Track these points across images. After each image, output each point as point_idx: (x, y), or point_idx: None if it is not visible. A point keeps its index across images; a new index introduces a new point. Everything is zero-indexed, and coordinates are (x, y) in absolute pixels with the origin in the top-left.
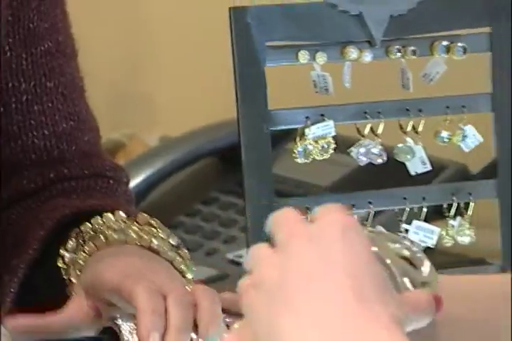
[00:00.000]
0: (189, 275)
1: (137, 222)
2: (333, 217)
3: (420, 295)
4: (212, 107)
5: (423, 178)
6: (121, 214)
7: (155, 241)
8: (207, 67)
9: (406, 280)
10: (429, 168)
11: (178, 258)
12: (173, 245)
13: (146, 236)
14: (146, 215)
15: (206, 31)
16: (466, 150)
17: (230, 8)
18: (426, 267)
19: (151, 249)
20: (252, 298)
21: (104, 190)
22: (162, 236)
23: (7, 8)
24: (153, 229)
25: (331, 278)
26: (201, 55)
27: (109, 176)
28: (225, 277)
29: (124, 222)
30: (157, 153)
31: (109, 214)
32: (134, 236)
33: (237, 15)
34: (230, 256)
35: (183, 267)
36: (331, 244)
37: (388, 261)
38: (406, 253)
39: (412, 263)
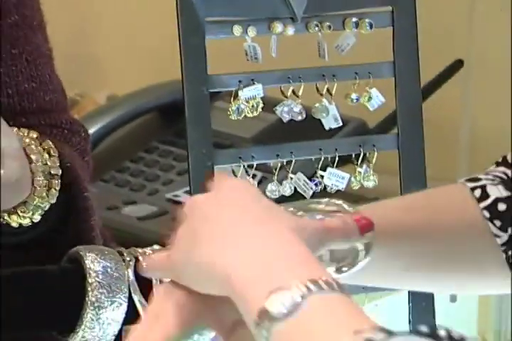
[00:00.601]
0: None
1: (42, 146)
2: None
3: (333, 220)
4: (156, 69)
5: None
6: (33, 134)
7: (36, 161)
8: (153, 31)
9: None
10: (340, 124)
11: (43, 187)
12: (50, 173)
13: (33, 155)
14: (50, 143)
15: None
16: (371, 109)
17: None
18: None
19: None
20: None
21: (58, 138)
22: (48, 163)
23: None
24: (47, 155)
25: (236, 208)
26: (148, 19)
27: (64, 127)
28: (164, 213)
29: (32, 140)
30: (105, 110)
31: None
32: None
33: None
34: (169, 195)
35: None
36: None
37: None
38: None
39: None
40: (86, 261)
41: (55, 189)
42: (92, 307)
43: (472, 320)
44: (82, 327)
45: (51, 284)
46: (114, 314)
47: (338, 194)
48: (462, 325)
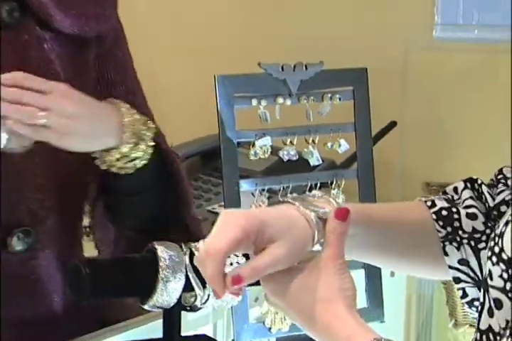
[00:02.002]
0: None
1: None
2: None
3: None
4: (202, 125)
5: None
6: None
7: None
8: (200, 100)
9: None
10: (321, 162)
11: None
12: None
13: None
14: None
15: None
16: (340, 152)
17: (214, 76)
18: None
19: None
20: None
21: None
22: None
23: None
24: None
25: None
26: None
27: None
28: (205, 220)
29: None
30: None
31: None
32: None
33: (220, 78)
34: (209, 208)
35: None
36: None
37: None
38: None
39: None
40: (157, 252)
41: (147, 145)
42: (162, 282)
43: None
44: (156, 294)
45: (137, 266)
46: (176, 286)
47: None
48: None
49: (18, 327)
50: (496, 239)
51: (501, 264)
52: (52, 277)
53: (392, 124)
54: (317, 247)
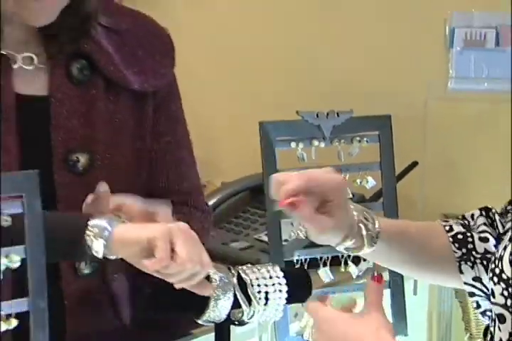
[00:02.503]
0: None
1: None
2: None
3: None
4: (249, 165)
5: None
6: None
7: None
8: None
9: None
10: (351, 196)
11: None
12: None
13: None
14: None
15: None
16: (368, 188)
17: (259, 123)
18: None
19: None
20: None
21: (188, 214)
22: None
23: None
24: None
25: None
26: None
27: (202, 209)
28: (252, 247)
29: None
30: (220, 190)
31: None
32: None
33: (264, 125)
34: (255, 236)
35: None
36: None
37: None
38: None
39: None
40: (210, 273)
41: None
42: (213, 299)
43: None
44: (208, 310)
45: None
46: (226, 303)
47: None
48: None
49: None
50: (497, 261)
51: (502, 283)
52: (120, 297)
53: (414, 164)
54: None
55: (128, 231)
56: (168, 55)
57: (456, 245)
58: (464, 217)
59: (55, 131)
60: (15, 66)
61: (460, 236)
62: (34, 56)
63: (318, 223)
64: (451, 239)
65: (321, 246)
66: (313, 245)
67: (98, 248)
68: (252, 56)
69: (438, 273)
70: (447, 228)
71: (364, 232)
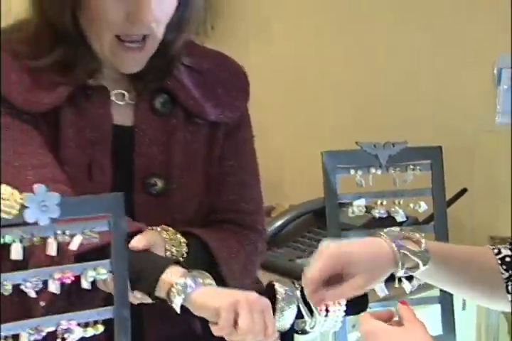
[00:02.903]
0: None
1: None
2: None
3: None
4: (312, 190)
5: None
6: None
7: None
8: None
9: None
10: (405, 219)
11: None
12: None
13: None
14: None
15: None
16: (421, 211)
17: (321, 152)
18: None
19: None
20: None
21: (243, 236)
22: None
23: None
24: None
25: None
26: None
27: (260, 230)
28: None
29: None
30: (288, 212)
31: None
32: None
33: (326, 154)
34: None
35: None
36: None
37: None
38: None
39: None
40: (276, 287)
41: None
42: (278, 311)
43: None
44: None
45: None
46: (290, 314)
47: None
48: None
49: None
50: None
51: None
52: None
53: (464, 190)
54: (401, 273)
55: (201, 296)
56: (243, 90)
57: (504, 267)
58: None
59: (137, 157)
60: (110, 100)
61: (508, 259)
62: (125, 93)
63: (354, 291)
64: (499, 261)
65: None
66: None
67: (177, 302)
68: (317, 91)
69: (486, 293)
70: (495, 251)
71: (411, 255)
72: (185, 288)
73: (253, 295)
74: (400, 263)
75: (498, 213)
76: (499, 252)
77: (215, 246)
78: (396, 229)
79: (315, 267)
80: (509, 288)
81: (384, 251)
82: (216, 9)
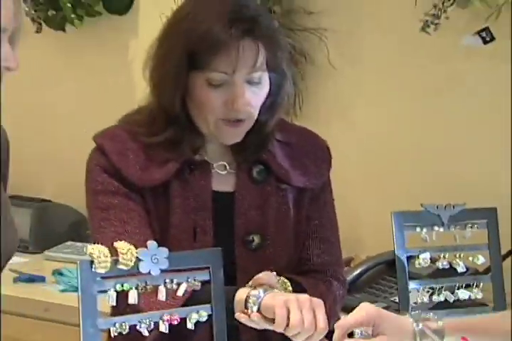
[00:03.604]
0: None
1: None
2: None
3: None
4: (386, 244)
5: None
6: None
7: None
8: None
9: None
10: (465, 270)
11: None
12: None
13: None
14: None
15: None
16: (479, 263)
17: (391, 213)
18: None
19: None
20: None
21: (328, 285)
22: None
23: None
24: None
25: None
26: None
27: (341, 279)
28: (388, 307)
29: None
30: (365, 262)
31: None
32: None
33: (394, 214)
34: (391, 299)
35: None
36: None
37: None
38: None
39: None
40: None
41: None
42: None
43: None
44: None
45: None
46: None
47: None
48: None
49: None
50: None
51: None
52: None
53: None
54: None
55: (267, 299)
56: (326, 161)
57: None
58: None
59: (237, 218)
60: (212, 171)
61: None
62: (226, 164)
63: None
64: None
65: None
66: (434, 308)
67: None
68: (387, 163)
69: None
70: None
71: (429, 333)
72: (258, 297)
73: (303, 296)
74: (417, 338)
75: None
76: None
77: (311, 292)
78: (417, 311)
79: (352, 315)
80: None
81: (407, 324)
82: (305, 95)
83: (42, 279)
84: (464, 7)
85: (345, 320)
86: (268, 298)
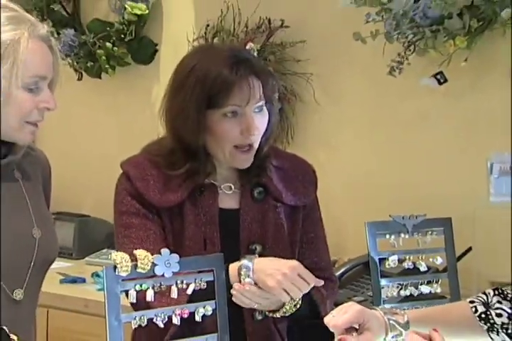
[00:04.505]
0: None
1: None
2: None
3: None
4: (364, 248)
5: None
6: None
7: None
8: None
9: None
10: (426, 269)
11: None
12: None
13: None
14: None
15: None
16: (438, 264)
17: (365, 223)
18: None
19: None
20: None
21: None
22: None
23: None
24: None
25: None
26: None
27: (332, 279)
28: (366, 300)
29: None
30: (346, 263)
31: None
32: None
33: (368, 224)
34: (369, 294)
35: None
36: None
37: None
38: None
39: None
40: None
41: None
42: None
43: None
44: None
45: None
46: None
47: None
48: None
49: None
50: None
51: None
52: (282, 331)
53: (469, 249)
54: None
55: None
56: (312, 183)
57: (482, 322)
58: (484, 293)
59: (242, 230)
60: (220, 191)
61: (483, 316)
62: (232, 185)
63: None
64: (477, 318)
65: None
66: (401, 301)
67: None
68: (362, 178)
69: (466, 336)
70: (473, 310)
71: (397, 325)
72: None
73: (290, 265)
74: (389, 331)
75: (497, 264)
76: (476, 310)
77: (315, 292)
78: (388, 306)
79: (346, 316)
80: (491, 335)
81: (380, 317)
82: (295, 127)
83: (83, 280)
84: (422, 55)
85: (341, 321)
86: (258, 270)
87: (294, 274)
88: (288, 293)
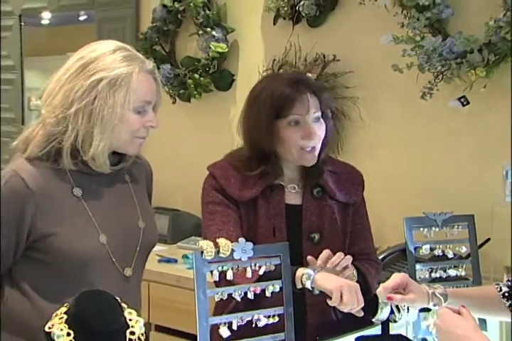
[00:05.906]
0: None
1: None
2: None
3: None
4: (401, 237)
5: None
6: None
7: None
8: None
9: None
10: (453, 256)
11: None
12: None
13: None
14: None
15: None
16: (463, 252)
17: (403, 218)
18: None
19: None
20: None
21: (372, 266)
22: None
23: None
24: None
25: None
26: None
27: (377, 261)
28: None
29: None
30: (386, 250)
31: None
32: None
33: (406, 219)
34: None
35: None
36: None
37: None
38: None
39: None
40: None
41: None
42: (380, 309)
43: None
44: (377, 315)
45: (371, 301)
46: (387, 311)
47: None
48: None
49: None
50: None
51: None
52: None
53: (488, 239)
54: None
55: (320, 279)
56: (360, 184)
57: (505, 299)
58: (508, 280)
59: (304, 222)
60: (286, 190)
61: (506, 294)
62: (296, 186)
63: (408, 301)
64: (501, 296)
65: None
66: (432, 282)
67: (308, 285)
68: (401, 182)
69: (498, 315)
70: (498, 289)
71: (438, 295)
72: (309, 275)
73: (350, 282)
74: (430, 300)
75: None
76: (500, 289)
77: (366, 272)
78: (433, 284)
79: (391, 281)
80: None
81: (424, 288)
82: (344, 140)
83: (175, 261)
84: (449, 83)
85: (388, 284)
86: (320, 278)
87: (351, 287)
88: (341, 297)
